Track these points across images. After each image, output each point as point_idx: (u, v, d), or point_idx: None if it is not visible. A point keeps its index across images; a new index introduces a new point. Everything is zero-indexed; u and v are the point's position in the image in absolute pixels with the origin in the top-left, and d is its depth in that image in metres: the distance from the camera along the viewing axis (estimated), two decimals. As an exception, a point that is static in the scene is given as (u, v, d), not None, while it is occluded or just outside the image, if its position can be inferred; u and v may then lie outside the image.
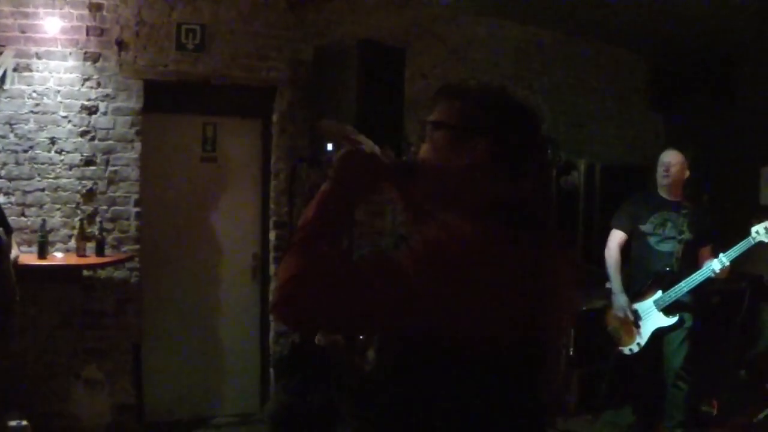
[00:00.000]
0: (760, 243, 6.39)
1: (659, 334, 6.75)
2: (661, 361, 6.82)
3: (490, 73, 8.75)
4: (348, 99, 6.71)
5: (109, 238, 7.20)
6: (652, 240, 6.79)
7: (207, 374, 7.87)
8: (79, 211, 7.12)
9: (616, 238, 7.00)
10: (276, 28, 7.72)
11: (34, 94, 6.97)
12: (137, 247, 7.34)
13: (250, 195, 8.03)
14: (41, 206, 7.03)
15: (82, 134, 7.12)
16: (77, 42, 7.07)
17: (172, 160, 7.73)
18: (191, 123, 7.78)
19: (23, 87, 6.94)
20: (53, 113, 7.03)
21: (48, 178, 7.04)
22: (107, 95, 7.17)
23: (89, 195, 7.16)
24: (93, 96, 7.13)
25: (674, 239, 6.69)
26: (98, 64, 7.14)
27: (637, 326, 6.82)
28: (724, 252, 6.47)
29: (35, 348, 6.95)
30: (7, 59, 6.82)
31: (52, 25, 6.96)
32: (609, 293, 7.04)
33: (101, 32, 7.13)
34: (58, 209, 7.08)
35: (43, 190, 7.04)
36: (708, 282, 6.61)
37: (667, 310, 6.68)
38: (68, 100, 7.07)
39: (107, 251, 7.13)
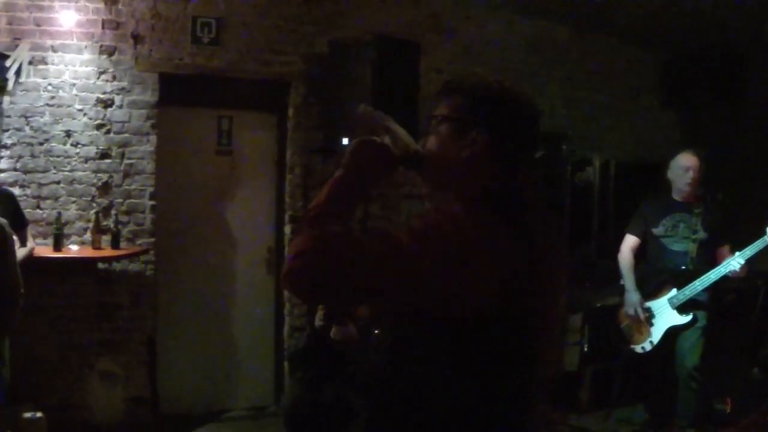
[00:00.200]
0: None
1: (673, 332, 6.68)
2: (674, 360, 6.73)
3: (503, 69, 8.64)
4: (363, 93, 6.65)
5: (125, 231, 7.16)
6: (665, 241, 6.74)
7: (221, 367, 7.82)
8: (94, 204, 7.08)
9: (628, 242, 6.96)
10: (291, 22, 7.66)
11: (50, 87, 6.93)
12: (152, 240, 7.30)
13: (265, 188, 7.97)
14: (57, 199, 7.00)
15: (98, 127, 7.08)
16: (93, 35, 7.02)
17: (187, 154, 7.67)
18: (206, 116, 7.72)
19: (39, 80, 6.90)
20: (69, 106, 6.99)
21: (63, 170, 7.00)
22: (123, 88, 7.13)
23: (104, 188, 7.13)
24: (108, 89, 7.09)
25: (688, 239, 6.64)
26: (114, 58, 7.09)
27: (650, 324, 6.75)
28: (739, 250, 6.39)
29: (50, 340, 6.92)
30: (23, 52, 6.78)
31: (67, 18, 6.92)
32: (623, 290, 6.97)
33: (117, 25, 7.09)
34: (74, 202, 7.04)
35: (58, 182, 7.00)
36: (722, 280, 6.53)
37: (681, 309, 6.61)
38: (84, 94, 7.03)
39: (122, 244, 7.08)
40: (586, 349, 7.79)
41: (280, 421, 6.57)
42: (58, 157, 6.98)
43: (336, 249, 2.07)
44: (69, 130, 7.00)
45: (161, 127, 7.31)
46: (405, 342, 2.29)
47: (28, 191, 6.91)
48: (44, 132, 6.93)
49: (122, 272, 7.18)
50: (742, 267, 6.36)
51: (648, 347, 6.79)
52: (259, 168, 7.95)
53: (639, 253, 6.93)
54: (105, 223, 7.04)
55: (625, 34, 9.48)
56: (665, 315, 6.68)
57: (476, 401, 2.18)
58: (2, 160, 6.82)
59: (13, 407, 6.05)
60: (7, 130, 6.84)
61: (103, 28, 7.05)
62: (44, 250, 6.72)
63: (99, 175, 7.10)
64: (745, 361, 7.80)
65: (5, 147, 6.85)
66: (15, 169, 6.88)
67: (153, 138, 7.25)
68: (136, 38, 7.13)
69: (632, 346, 6.91)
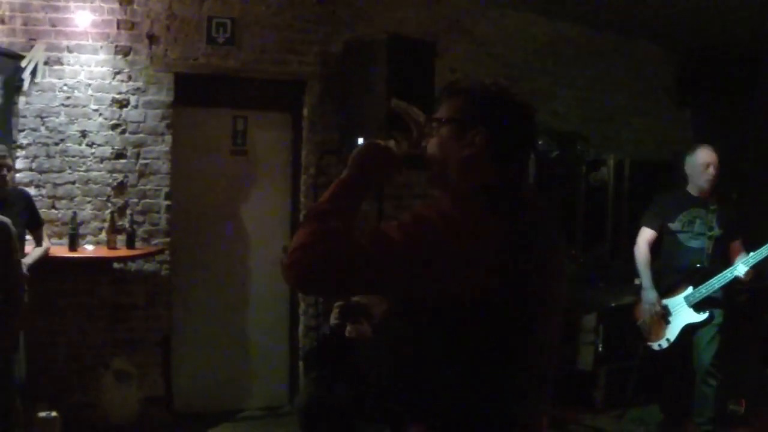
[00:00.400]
0: None
1: (689, 330, 6.60)
2: (690, 358, 6.66)
3: (518, 68, 8.67)
4: (377, 93, 6.69)
5: (140, 231, 7.12)
6: (681, 237, 6.63)
7: (236, 367, 7.76)
8: (109, 204, 7.04)
9: (645, 235, 6.84)
10: (305, 22, 7.59)
11: (65, 88, 6.89)
12: (167, 239, 7.25)
13: (280, 188, 7.88)
14: (72, 199, 6.96)
15: (113, 127, 7.04)
16: (108, 35, 6.98)
17: (202, 154, 7.61)
18: (222, 116, 7.66)
19: (54, 80, 6.87)
20: (84, 106, 6.95)
21: (79, 170, 6.97)
22: (138, 89, 7.08)
23: (120, 188, 7.09)
24: (124, 89, 7.05)
25: (704, 235, 6.54)
26: (129, 58, 7.05)
27: (667, 322, 6.68)
28: (753, 250, 6.35)
29: (65, 340, 6.89)
30: (38, 53, 6.75)
31: (82, 18, 6.88)
32: (638, 289, 6.88)
33: (132, 26, 7.04)
34: (89, 202, 7.00)
35: (73, 182, 6.97)
36: (735, 280, 6.45)
37: (698, 306, 6.53)
38: (99, 94, 6.99)
39: (137, 244, 7.05)
40: (600, 348, 7.71)
41: (294, 420, 6.54)
42: (73, 157, 6.94)
43: (332, 244, 2.14)
44: (84, 130, 6.96)
45: (176, 127, 7.26)
46: (401, 331, 2.42)
47: (44, 191, 6.87)
48: (60, 132, 6.90)
49: (137, 272, 7.14)
50: (747, 272, 6.31)
51: (664, 345, 6.71)
52: (274, 168, 7.86)
53: (653, 248, 6.84)
54: (120, 223, 7.01)
55: (640, 33, 9.44)
56: (682, 312, 6.60)
57: (466, 390, 2.24)
58: (18, 160, 6.76)
59: (28, 406, 6.02)
60: (23, 131, 6.82)
61: (118, 28, 7.00)
62: (59, 249, 6.70)
63: (114, 175, 7.06)
64: (758, 361, 7.72)
65: (21, 147, 6.82)
66: (30, 169, 6.85)
67: (168, 138, 7.20)
68: (152, 38, 7.08)
69: (649, 344, 6.83)
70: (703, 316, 6.51)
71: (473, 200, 2.27)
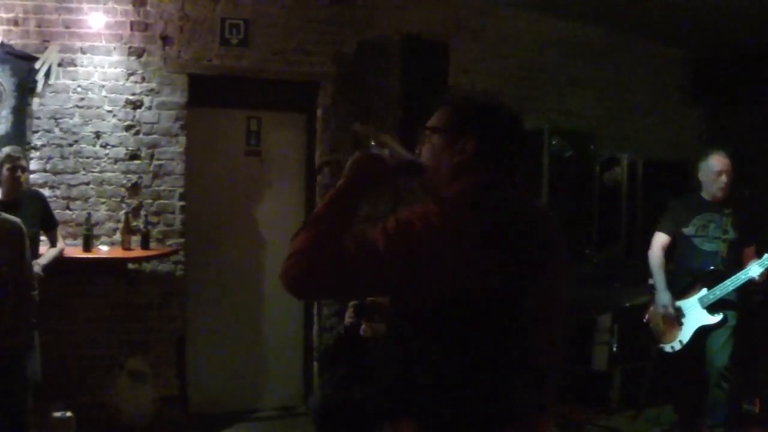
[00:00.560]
0: None
1: (702, 332, 6.50)
2: (703, 360, 6.56)
3: (531, 68, 8.63)
4: (391, 93, 6.72)
5: (154, 232, 7.08)
6: (695, 241, 6.56)
7: (250, 367, 7.71)
8: (124, 205, 7.00)
9: (659, 240, 6.76)
10: (318, 23, 7.53)
11: (79, 89, 6.85)
12: (182, 240, 7.21)
13: (294, 189, 7.82)
14: (86, 200, 6.92)
15: (127, 128, 7.00)
16: (121, 37, 6.94)
17: (216, 154, 7.57)
18: (235, 117, 7.62)
19: (68, 82, 6.83)
20: (98, 108, 6.91)
21: (93, 171, 6.93)
22: (152, 90, 7.04)
23: (134, 189, 7.04)
24: (137, 90, 7.01)
25: (718, 239, 6.47)
26: (142, 59, 7.01)
27: (680, 324, 6.59)
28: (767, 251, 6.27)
29: (80, 340, 6.86)
30: (52, 54, 6.72)
31: (96, 20, 6.84)
32: (652, 290, 6.82)
33: (145, 27, 7.00)
34: (103, 203, 6.96)
35: (88, 183, 6.93)
36: (749, 281, 6.34)
37: (712, 308, 6.43)
38: (113, 95, 6.95)
39: (152, 245, 7.01)
40: (615, 348, 7.60)
41: (308, 421, 6.49)
42: (87, 158, 6.90)
43: (324, 252, 2.22)
44: (98, 132, 6.91)
45: (190, 128, 7.21)
46: (393, 329, 2.52)
47: (58, 192, 6.83)
48: (74, 133, 6.86)
49: (152, 273, 7.09)
50: (762, 274, 6.21)
51: (677, 347, 6.62)
52: (287, 168, 7.81)
53: (668, 253, 6.75)
54: (135, 223, 6.96)
55: (653, 33, 9.33)
56: (695, 314, 6.50)
57: (452, 386, 2.28)
58: (32, 162, 6.72)
59: (42, 406, 6.04)
60: (37, 132, 6.78)
61: (131, 29, 6.96)
62: (74, 250, 6.65)
63: (128, 176, 7.02)
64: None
65: (35, 148, 6.78)
66: (45, 171, 6.81)
67: (182, 139, 7.15)
68: (165, 39, 7.04)
69: (662, 345, 6.74)
70: (716, 318, 6.41)
71: (457, 203, 2.33)
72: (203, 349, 7.46)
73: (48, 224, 6.30)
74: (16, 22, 6.68)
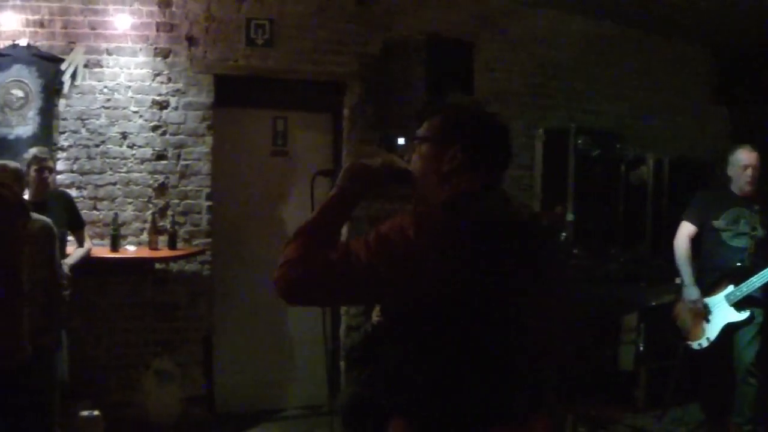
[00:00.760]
0: None
1: (729, 329, 6.38)
2: (730, 357, 6.43)
3: (556, 67, 8.50)
4: (416, 92, 6.66)
5: (181, 232, 7.00)
6: (725, 235, 6.41)
7: (277, 366, 7.63)
8: (150, 205, 6.93)
9: (686, 230, 6.63)
10: (344, 23, 7.44)
11: (105, 90, 6.79)
12: (209, 240, 7.13)
13: (321, 189, 7.61)
14: (113, 200, 6.85)
15: (154, 129, 6.93)
16: (147, 38, 6.87)
17: (242, 155, 7.48)
18: (261, 117, 7.53)
19: (94, 83, 6.76)
20: (124, 108, 6.84)
21: (120, 172, 6.86)
22: (178, 90, 6.97)
23: (161, 189, 6.97)
24: (164, 91, 6.93)
25: (747, 235, 6.33)
26: (168, 60, 6.93)
27: (707, 321, 6.46)
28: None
29: (107, 339, 6.80)
30: (78, 56, 6.66)
31: (121, 21, 6.77)
32: (679, 288, 6.70)
33: (171, 28, 6.92)
34: (130, 203, 6.89)
35: (114, 184, 6.86)
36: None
37: (738, 305, 6.30)
38: (139, 96, 6.88)
39: (179, 244, 6.94)
40: (641, 348, 7.48)
41: (334, 420, 6.41)
42: (114, 158, 6.83)
43: (310, 262, 2.31)
44: (125, 132, 6.84)
45: (217, 129, 7.13)
46: (386, 331, 2.67)
47: (85, 192, 6.76)
48: (100, 134, 6.79)
49: (179, 272, 7.01)
50: None
51: (705, 344, 6.49)
52: (314, 168, 7.60)
53: (693, 246, 6.63)
54: (161, 223, 6.89)
55: (678, 31, 9.18)
56: (722, 312, 6.38)
57: (438, 386, 2.35)
58: (59, 162, 6.66)
59: (70, 405, 6.01)
60: (64, 133, 6.72)
61: (157, 30, 6.88)
62: (101, 250, 6.60)
63: (155, 176, 6.94)
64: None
65: (62, 149, 6.72)
66: (72, 171, 6.75)
67: (209, 139, 7.07)
68: (191, 40, 6.95)
69: (689, 343, 6.61)
70: (743, 315, 6.30)
71: (433, 215, 2.38)
72: (230, 348, 7.37)
73: (75, 224, 6.25)
74: (42, 24, 6.61)
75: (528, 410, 2.46)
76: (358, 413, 5.76)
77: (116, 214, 6.72)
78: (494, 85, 8.01)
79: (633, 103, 9.09)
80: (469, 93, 6.74)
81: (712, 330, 6.43)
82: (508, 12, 8.25)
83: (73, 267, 5.91)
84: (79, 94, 6.70)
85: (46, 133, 6.55)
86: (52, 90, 6.57)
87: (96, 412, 6.17)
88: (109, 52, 6.77)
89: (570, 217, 6.98)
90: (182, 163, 7.00)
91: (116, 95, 6.80)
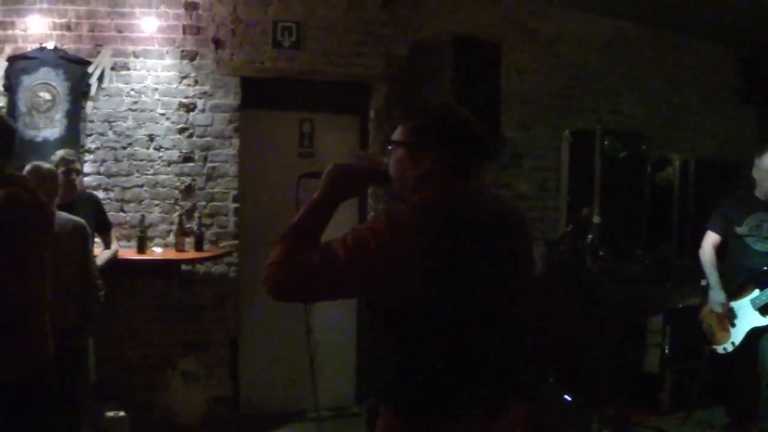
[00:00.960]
0: None
1: (755, 333, 6.22)
2: (756, 361, 6.25)
3: (582, 68, 8.39)
4: (444, 94, 6.54)
5: (208, 234, 6.93)
6: (748, 240, 6.28)
7: (303, 368, 7.39)
8: (177, 207, 6.85)
9: (710, 239, 6.50)
10: (371, 24, 7.30)
11: (132, 92, 6.71)
12: (235, 242, 7.05)
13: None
14: (140, 202, 6.78)
15: (180, 131, 6.84)
16: (174, 41, 6.79)
17: (269, 156, 7.35)
18: (288, 119, 7.41)
19: (121, 85, 6.69)
20: (151, 111, 6.76)
21: (147, 174, 6.78)
22: (205, 92, 6.88)
23: (188, 191, 6.88)
24: (190, 93, 6.84)
25: None
26: (195, 62, 6.84)
27: (732, 325, 6.34)
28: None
29: (133, 340, 6.75)
30: (105, 58, 6.60)
31: (148, 24, 6.69)
32: (706, 290, 6.56)
33: (197, 31, 6.84)
34: (157, 205, 6.82)
35: (141, 186, 6.78)
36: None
37: (764, 310, 6.15)
38: (166, 98, 6.80)
39: (205, 246, 6.87)
40: (667, 350, 7.35)
41: (361, 422, 6.32)
42: (141, 160, 6.75)
43: (295, 263, 2.40)
44: (152, 134, 6.76)
45: (243, 131, 7.04)
46: (371, 328, 2.78)
47: (112, 195, 6.70)
48: (127, 136, 6.72)
49: (205, 274, 6.93)
50: None
51: (730, 348, 6.38)
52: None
53: (719, 252, 6.49)
54: (188, 225, 6.82)
55: (705, 31, 9.04)
56: (747, 316, 6.24)
57: (417, 378, 2.46)
58: (86, 165, 6.59)
59: (96, 406, 6.00)
60: (91, 135, 6.65)
61: (183, 33, 6.80)
62: (128, 252, 6.53)
63: (182, 178, 6.86)
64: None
65: (89, 151, 6.65)
66: (99, 173, 6.68)
67: (236, 141, 6.98)
68: (217, 43, 6.87)
69: (714, 347, 6.50)
70: None
71: (406, 216, 2.44)
72: (256, 349, 7.28)
73: (102, 226, 6.17)
74: (69, 27, 6.55)
75: (505, 398, 2.54)
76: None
77: (143, 216, 6.65)
78: (521, 86, 7.91)
79: (660, 104, 8.96)
80: (497, 94, 6.65)
81: (738, 334, 6.31)
82: (536, 14, 8.15)
83: (100, 269, 5.80)
84: (106, 97, 6.64)
85: (73, 136, 6.48)
86: (79, 93, 6.51)
87: (122, 413, 6.12)
88: (135, 55, 6.70)
89: (597, 219, 6.83)
90: (209, 165, 6.91)
91: (143, 98, 6.72)
